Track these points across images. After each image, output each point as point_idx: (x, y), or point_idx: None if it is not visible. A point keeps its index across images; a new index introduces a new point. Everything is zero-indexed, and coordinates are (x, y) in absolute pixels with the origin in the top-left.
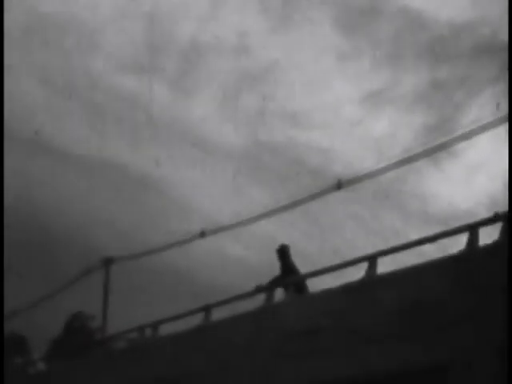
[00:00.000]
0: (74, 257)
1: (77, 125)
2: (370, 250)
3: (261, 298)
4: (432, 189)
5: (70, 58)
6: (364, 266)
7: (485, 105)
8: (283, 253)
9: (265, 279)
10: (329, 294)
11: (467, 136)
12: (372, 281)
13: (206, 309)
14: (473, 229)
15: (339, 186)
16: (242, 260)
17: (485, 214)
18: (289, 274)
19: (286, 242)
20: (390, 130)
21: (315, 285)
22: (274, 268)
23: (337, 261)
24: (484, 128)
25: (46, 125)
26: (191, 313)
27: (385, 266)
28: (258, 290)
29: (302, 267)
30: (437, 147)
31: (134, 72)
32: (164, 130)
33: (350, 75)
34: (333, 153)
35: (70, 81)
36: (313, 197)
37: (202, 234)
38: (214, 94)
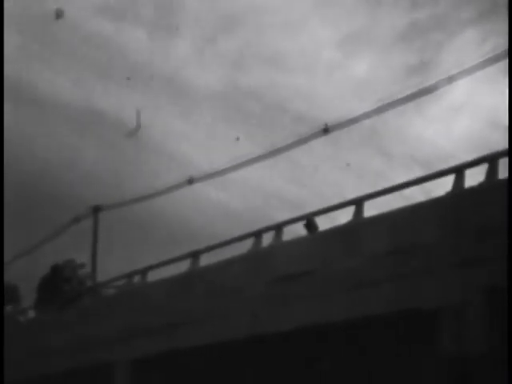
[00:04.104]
0: (62, 207)
1: (54, 72)
2: (355, 193)
3: (248, 244)
4: (414, 131)
5: (44, 3)
6: (350, 209)
7: (465, 45)
8: (309, 226)
9: (249, 225)
10: (317, 238)
11: (449, 80)
12: (360, 223)
13: (194, 255)
14: (459, 171)
15: (326, 130)
16: (227, 206)
17: (467, 155)
18: None
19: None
20: (370, 72)
21: (301, 230)
22: (258, 214)
23: (322, 205)
24: (467, 72)
25: (24, 72)
26: (179, 259)
27: (370, 209)
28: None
29: (289, 213)
30: (420, 92)
31: (109, 17)
32: (141, 76)
33: (328, 18)
34: (313, 96)
35: (44, 27)
36: (299, 142)
37: (190, 181)
38: (191, 38)
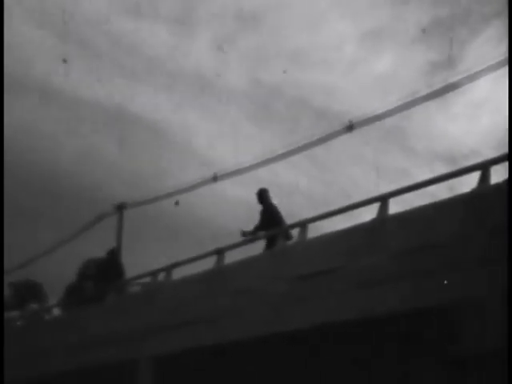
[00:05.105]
0: (86, 204)
1: (79, 70)
2: (379, 191)
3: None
4: (438, 128)
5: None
6: (374, 207)
7: (488, 41)
8: (261, 196)
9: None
10: (340, 235)
11: (472, 77)
12: (382, 220)
13: (219, 252)
14: (485, 167)
15: (350, 127)
16: (251, 204)
17: (491, 151)
18: (267, 217)
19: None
20: (392, 68)
21: (325, 227)
22: (282, 212)
23: (346, 203)
24: (489, 69)
25: (50, 71)
26: (203, 256)
27: (393, 207)
28: (244, 235)
29: (313, 210)
30: (444, 88)
31: (129, 13)
32: (163, 73)
33: (350, 13)
34: (335, 92)
35: (69, 25)
36: (323, 139)
37: (214, 179)
38: (211, 35)
